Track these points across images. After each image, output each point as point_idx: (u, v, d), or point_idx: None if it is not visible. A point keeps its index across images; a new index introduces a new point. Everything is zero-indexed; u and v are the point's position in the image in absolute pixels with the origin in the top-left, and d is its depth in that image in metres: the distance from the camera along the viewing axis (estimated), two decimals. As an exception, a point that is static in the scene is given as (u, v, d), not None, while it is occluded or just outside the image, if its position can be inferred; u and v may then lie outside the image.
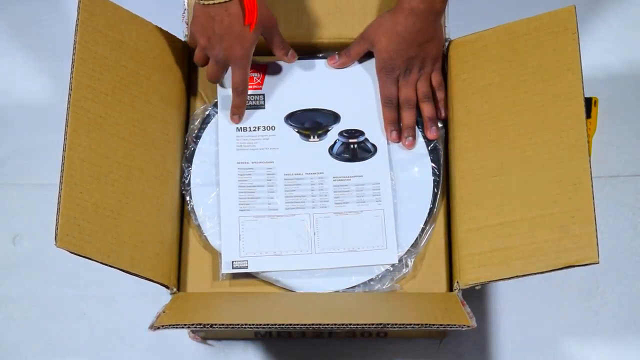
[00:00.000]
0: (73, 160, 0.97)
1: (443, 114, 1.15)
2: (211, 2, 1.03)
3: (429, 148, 1.14)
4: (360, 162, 1.13)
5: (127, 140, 1.05)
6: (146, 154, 1.07)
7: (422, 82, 1.14)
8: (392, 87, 1.13)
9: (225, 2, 1.03)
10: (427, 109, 1.14)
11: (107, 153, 1.02)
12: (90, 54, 1.02)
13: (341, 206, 1.11)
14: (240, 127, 1.14)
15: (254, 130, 1.14)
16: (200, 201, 1.13)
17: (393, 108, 1.14)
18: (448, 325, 0.94)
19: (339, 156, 1.13)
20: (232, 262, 1.08)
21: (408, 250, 1.10)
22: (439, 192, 1.13)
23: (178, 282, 1.11)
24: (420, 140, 1.14)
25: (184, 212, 1.14)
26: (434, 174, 1.13)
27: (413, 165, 1.14)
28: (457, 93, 1.13)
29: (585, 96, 1.19)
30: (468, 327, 0.94)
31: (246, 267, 1.08)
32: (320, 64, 1.18)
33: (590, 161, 0.99)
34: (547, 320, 1.26)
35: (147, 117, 1.09)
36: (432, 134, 1.14)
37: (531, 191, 1.01)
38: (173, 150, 1.13)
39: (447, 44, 1.16)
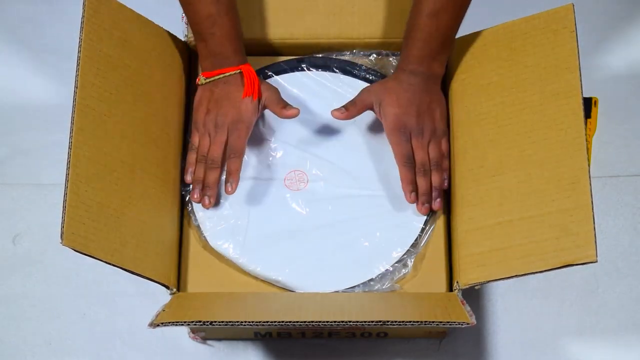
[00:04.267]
0: (79, 158, 0.97)
1: (446, 184, 1.12)
2: (211, 78, 1.10)
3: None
4: None
5: (130, 139, 1.05)
6: (148, 154, 1.07)
7: (434, 146, 1.10)
8: (407, 145, 1.09)
9: (225, 76, 1.09)
10: (436, 179, 1.11)
11: (112, 152, 1.02)
12: (95, 52, 1.02)
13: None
14: None
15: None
16: (200, 201, 1.13)
17: (412, 167, 1.10)
18: (448, 322, 0.94)
19: None
20: None
21: (408, 250, 1.10)
22: (439, 192, 1.13)
23: (178, 282, 1.11)
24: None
25: (184, 213, 1.14)
26: (433, 174, 1.13)
27: (413, 165, 1.14)
28: (456, 93, 1.13)
29: (585, 96, 1.20)
30: (468, 324, 0.94)
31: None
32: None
33: (588, 159, 0.99)
34: (547, 320, 1.26)
35: (150, 116, 1.09)
36: (436, 205, 1.11)
37: (530, 190, 1.01)
38: (174, 150, 1.13)
39: (446, 43, 1.16)
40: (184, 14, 1.15)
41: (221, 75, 1.09)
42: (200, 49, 1.09)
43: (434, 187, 1.11)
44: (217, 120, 1.09)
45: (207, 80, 1.10)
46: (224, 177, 1.11)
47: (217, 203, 1.12)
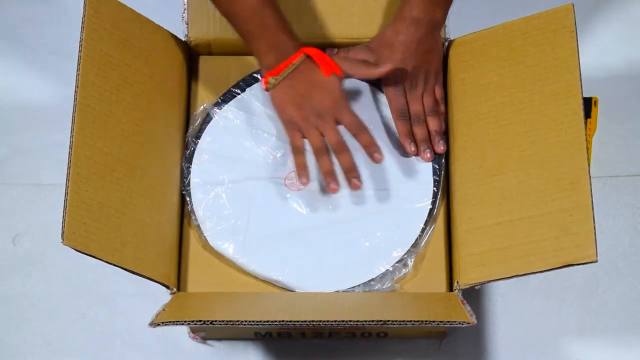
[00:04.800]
0: (79, 157, 0.97)
1: (443, 128, 1.15)
2: (281, 75, 1.05)
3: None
4: None
5: (130, 139, 1.05)
6: (148, 153, 1.07)
7: (428, 95, 1.13)
8: (402, 99, 1.13)
9: (294, 65, 1.05)
10: (434, 123, 1.14)
11: (112, 151, 1.02)
12: (95, 52, 1.02)
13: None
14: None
15: None
16: (200, 201, 1.13)
17: (407, 120, 1.13)
18: (448, 322, 0.94)
19: None
20: None
21: (408, 250, 1.10)
22: (439, 192, 1.13)
23: (178, 282, 1.11)
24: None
25: (184, 212, 1.14)
26: (434, 173, 1.13)
27: (413, 165, 1.14)
28: (456, 92, 1.13)
29: (585, 96, 1.20)
30: (468, 324, 0.94)
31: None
32: None
33: (588, 159, 0.99)
34: (547, 320, 1.26)
35: (150, 116, 1.09)
36: (440, 147, 1.13)
37: (530, 190, 1.01)
38: (174, 150, 1.13)
39: (447, 43, 1.16)
40: (183, 14, 1.16)
41: (291, 67, 1.05)
42: (257, 48, 1.05)
43: (434, 132, 1.13)
44: (317, 110, 1.06)
45: (278, 79, 1.05)
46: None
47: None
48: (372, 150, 1.07)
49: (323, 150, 1.08)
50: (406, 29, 1.08)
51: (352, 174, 1.09)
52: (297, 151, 1.10)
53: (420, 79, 1.12)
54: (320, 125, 1.07)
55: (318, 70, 1.05)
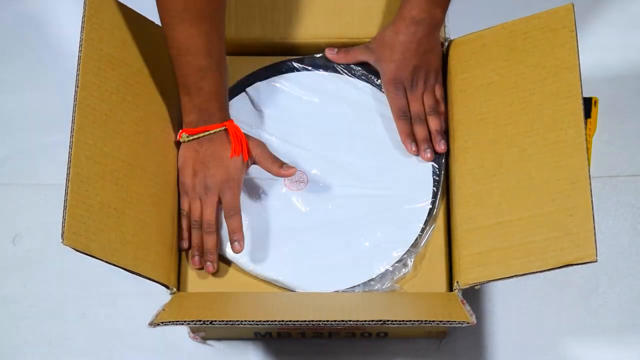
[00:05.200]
0: (79, 157, 0.97)
1: (444, 127, 1.15)
2: (195, 136, 1.06)
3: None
4: None
5: (130, 139, 1.05)
6: (149, 154, 1.07)
7: (428, 94, 1.14)
8: (403, 99, 1.13)
9: (210, 133, 1.06)
10: (435, 122, 1.14)
11: (112, 151, 1.02)
12: (96, 52, 1.02)
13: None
14: None
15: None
16: (199, 201, 1.13)
17: (407, 120, 1.14)
18: (448, 321, 0.94)
19: None
20: None
21: (408, 250, 1.10)
22: (439, 192, 1.13)
23: (178, 282, 1.11)
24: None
25: (183, 212, 1.14)
26: (434, 173, 1.13)
27: (413, 165, 1.14)
28: (456, 92, 1.13)
29: (585, 96, 1.20)
30: (468, 323, 0.94)
31: None
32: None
33: (588, 159, 0.99)
34: (547, 320, 1.26)
35: (150, 117, 1.09)
36: (440, 147, 1.14)
37: (530, 190, 1.01)
38: (174, 150, 1.13)
39: (447, 43, 1.16)
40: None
41: (206, 133, 1.06)
42: (185, 103, 1.06)
43: (435, 131, 1.14)
44: (206, 182, 1.07)
45: (190, 138, 1.07)
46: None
47: (218, 269, 1.11)
48: (233, 238, 1.07)
49: (196, 224, 1.09)
50: (406, 28, 1.08)
51: (209, 257, 1.09)
52: (182, 214, 1.11)
53: (421, 79, 1.12)
54: (203, 198, 1.08)
55: (227, 147, 1.06)
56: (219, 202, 1.07)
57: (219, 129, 1.06)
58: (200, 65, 1.02)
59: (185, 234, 1.10)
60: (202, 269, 1.10)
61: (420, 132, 1.13)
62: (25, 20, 1.44)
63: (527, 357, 1.25)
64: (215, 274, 1.10)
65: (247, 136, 1.08)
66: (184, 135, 1.07)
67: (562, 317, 1.26)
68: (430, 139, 1.14)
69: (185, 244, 1.11)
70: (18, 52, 1.42)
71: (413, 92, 1.13)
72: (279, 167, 1.08)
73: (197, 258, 1.09)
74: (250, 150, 1.08)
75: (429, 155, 1.13)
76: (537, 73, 1.05)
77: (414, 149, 1.13)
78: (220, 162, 1.06)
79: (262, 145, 1.10)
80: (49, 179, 1.33)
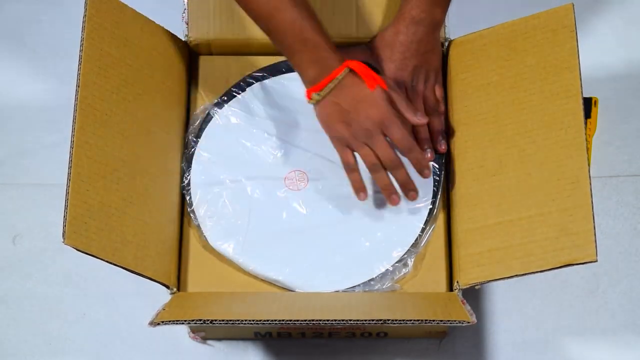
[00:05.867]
0: (80, 157, 0.97)
1: (443, 127, 1.15)
2: (326, 90, 1.01)
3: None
4: None
5: (131, 139, 1.05)
6: (149, 153, 1.08)
7: (429, 94, 1.13)
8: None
9: (338, 80, 1.01)
10: (436, 122, 1.14)
11: (113, 151, 1.02)
12: (96, 51, 1.02)
13: None
14: None
15: None
16: (200, 201, 1.13)
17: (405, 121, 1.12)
18: (448, 321, 0.94)
19: None
20: None
21: (408, 250, 1.10)
22: (439, 192, 1.13)
23: (178, 282, 1.11)
24: (420, 139, 1.15)
25: (184, 212, 1.14)
26: (434, 173, 1.13)
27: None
28: (456, 92, 1.13)
29: (585, 96, 1.20)
30: (468, 322, 0.94)
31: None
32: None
33: (588, 159, 0.99)
34: (547, 320, 1.26)
35: (151, 116, 1.09)
36: (441, 147, 1.13)
37: (530, 190, 1.01)
38: (174, 150, 1.13)
39: (447, 43, 1.16)
40: (183, 14, 1.16)
41: (335, 81, 1.00)
42: (297, 63, 1.01)
43: (436, 131, 1.13)
44: (364, 126, 1.02)
45: (323, 93, 1.01)
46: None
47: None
48: (422, 167, 1.06)
49: (377, 167, 1.05)
50: (406, 28, 1.08)
51: (408, 187, 1.07)
52: (349, 168, 1.07)
53: (421, 79, 1.12)
54: (369, 142, 1.03)
55: (363, 84, 1.01)
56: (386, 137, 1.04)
57: (343, 72, 1.00)
58: (292, 18, 0.98)
59: (359, 186, 1.07)
60: (398, 202, 1.08)
61: (420, 132, 1.13)
62: (25, 20, 1.44)
63: (527, 357, 1.25)
64: (215, 273, 1.10)
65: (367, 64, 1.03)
66: (314, 94, 1.02)
67: (562, 317, 1.26)
68: (430, 139, 1.14)
69: (364, 195, 1.08)
70: (18, 52, 1.42)
71: (413, 92, 1.13)
72: (412, 114, 1.05)
73: (394, 196, 1.07)
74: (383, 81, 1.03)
75: (429, 155, 1.13)
76: (537, 73, 1.05)
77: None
78: (366, 103, 1.01)
79: (390, 84, 1.07)
80: (49, 179, 1.33)
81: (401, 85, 1.11)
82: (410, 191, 1.08)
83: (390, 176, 1.07)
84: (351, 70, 1.01)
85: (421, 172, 1.06)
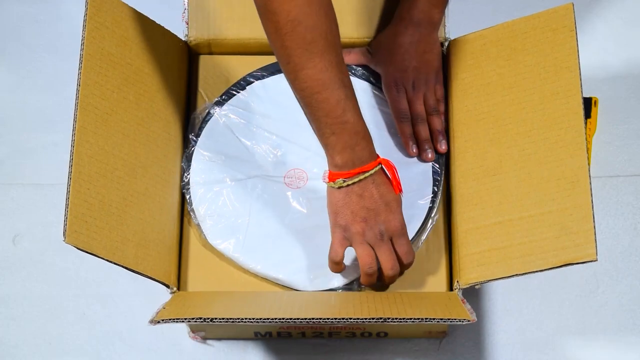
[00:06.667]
0: (81, 156, 0.97)
1: (444, 127, 1.15)
2: (354, 180, 0.98)
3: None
4: None
5: (131, 138, 1.05)
6: (149, 152, 1.08)
7: (429, 95, 1.14)
8: (403, 100, 1.12)
9: (370, 174, 0.98)
10: (436, 123, 1.14)
11: (113, 150, 1.02)
12: (97, 50, 1.02)
13: None
14: None
15: None
16: (200, 200, 1.13)
17: (408, 122, 1.13)
18: (448, 319, 0.94)
19: None
20: None
21: (408, 250, 1.10)
22: (439, 192, 1.13)
23: (178, 281, 1.11)
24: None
25: (184, 211, 1.14)
26: (434, 173, 1.13)
27: (413, 165, 1.14)
28: (456, 92, 1.13)
29: (585, 96, 1.20)
30: (468, 321, 0.94)
31: None
32: None
33: (588, 159, 0.99)
34: (547, 320, 1.26)
35: (151, 115, 1.09)
36: (442, 147, 1.13)
37: (529, 189, 1.01)
38: (174, 149, 1.14)
39: (447, 43, 1.16)
40: (184, 14, 1.16)
41: (367, 174, 0.98)
42: (332, 145, 0.97)
43: (437, 131, 1.13)
44: (380, 230, 1.00)
45: (349, 181, 0.98)
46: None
47: None
48: (396, 274, 1.04)
49: (372, 269, 1.02)
50: (405, 29, 1.08)
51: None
52: (336, 261, 1.04)
53: (421, 80, 1.12)
54: (376, 245, 1.01)
55: (390, 186, 1.00)
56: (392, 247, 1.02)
57: (376, 168, 0.99)
58: (339, 98, 0.94)
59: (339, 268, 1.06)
60: None
61: (421, 132, 1.13)
62: (25, 20, 1.44)
63: (527, 357, 1.25)
64: (215, 272, 1.10)
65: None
66: (340, 180, 0.98)
67: (562, 317, 1.26)
68: (431, 139, 1.14)
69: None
70: (18, 52, 1.42)
71: (414, 93, 1.13)
72: None
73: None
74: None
75: (429, 155, 1.13)
76: (537, 73, 1.05)
77: (414, 150, 1.13)
78: (390, 207, 1.00)
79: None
80: (49, 179, 1.33)
81: (401, 86, 1.12)
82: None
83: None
84: (382, 168, 1.00)
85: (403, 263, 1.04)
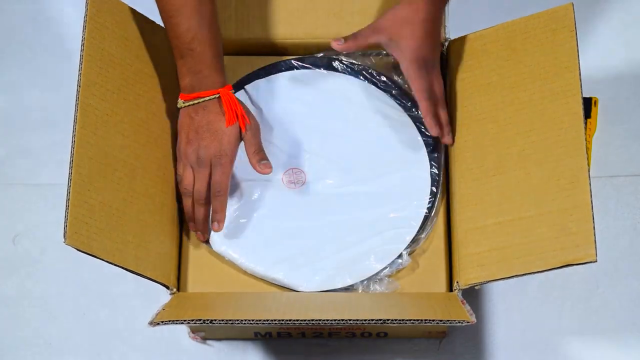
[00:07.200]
0: (81, 157, 0.97)
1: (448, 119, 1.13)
2: (190, 102, 1.04)
3: (429, 148, 1.14)
4: None
5: (131, 139, 1.05)
6: (149, 153, 1.08)
7: (439, 78, 1.11)
8: (429, 77, 1.08)
9: (204, 100, 1.04)
10: (442, 115, 1.12)
11: (113, 151, 1.02)
12: (97, 51, 1.02)
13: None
14: None
15: None
16: (199, 201, 1.13)
17: (432, 101, 1.09)
18: (448, 320, 0.94)
19: None
20: None
21: (408, 249, 1.10)
22: (439, 192, 1.13)
23: (178, 282, 1.11)
24: (419, 138, 1.15)
25: (184, 212, 1.14)
26: (433, 173, 1.13)
27: (413, 164, 1.14)
28: (456, 92, 1.13)
29: (586, 96, 1.20)
30: (468, 322, 0.94)
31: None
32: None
33: (588, 159, 0.99)
34: (547, 320, 1.26)
35: (151, 116, 1.09)
36: (448, 139, 1.12)
37: (529, 189, 1.01)
38: (174, 150, 1.13)
39: (447, 43, 1.16)
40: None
41: (200, 100, 1.04)
42: (179, 67, 1.04)
43: (446, 121, 1.12)
44: (198, 153, 1.04)
45: (186, 104, 1.05)
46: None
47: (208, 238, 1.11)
48: (214, 218, 1.07)
49: (187, 193, 1.08)
50: (425, 6, 1.03)
51: (199, 227, 1.09)
52: (178, 179, 1.10)
53: (437, 59, 1.09)
54: (195, 168, 1.06)
55: (221, 116, 1.04)
56: (209, 177, 1.06)
57: (212, 96, 1.04)
58: (189, 26, 1.01)
59: (190, 215, 1.10)
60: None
61: (443, 114, 1.11)
62: (25, 20, 1.44)
63: (527, 357, 1.25)
64: (215, 273, 1.10)
65: (244, 109, 1.06)
66: (180, 101, 1.05)
67: (562, 317, 1.26)
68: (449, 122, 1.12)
69: (192, 227, 1.11)
70: (18, 52, 1.42)
71: (435, 71, 1.09)
72: (258, 160, 1.07)
73: (191, 224, 1.10)
74: (245, 125, 1.05)
75: (450, 140, 1.11)
76: (537, 73, 1.05)
77: (437, 131, 1.09)
78: (214, 134, 1.04)
79: (256, 127, 1.07)
80: (49, 179, 1.33)
81: (424, 63, 1.07)
82: (197, 231, 1.10)
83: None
84: (219, 98, 1.04)
85: (211, 222, 1.08)
